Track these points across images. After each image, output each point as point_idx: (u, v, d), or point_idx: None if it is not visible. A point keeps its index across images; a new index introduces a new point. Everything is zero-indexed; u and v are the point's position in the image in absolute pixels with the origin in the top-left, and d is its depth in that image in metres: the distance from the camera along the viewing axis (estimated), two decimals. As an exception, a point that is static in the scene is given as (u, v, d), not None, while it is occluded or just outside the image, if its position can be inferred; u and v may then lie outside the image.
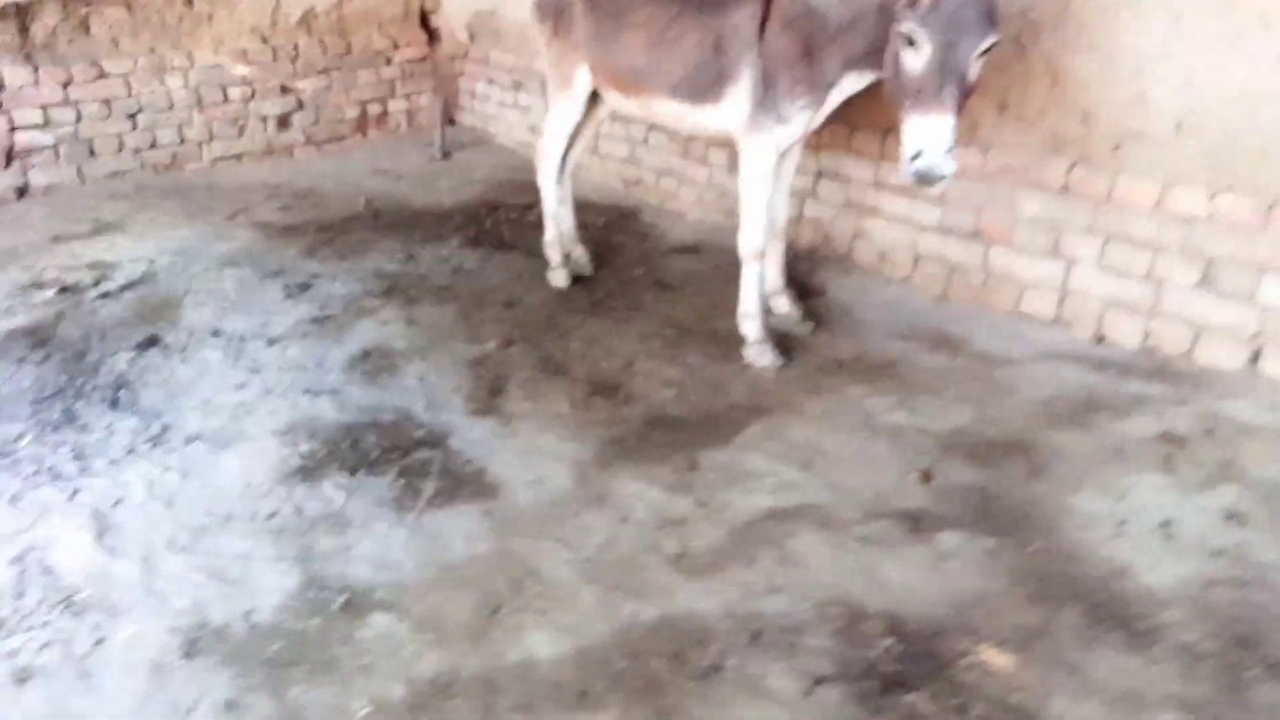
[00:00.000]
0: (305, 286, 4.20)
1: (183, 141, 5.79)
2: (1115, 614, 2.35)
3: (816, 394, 3.34)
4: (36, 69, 5.24)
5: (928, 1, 2.65)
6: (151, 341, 3.74)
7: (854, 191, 4.35)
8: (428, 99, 6.73)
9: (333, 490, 2.87)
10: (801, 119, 3.27)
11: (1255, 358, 3.29)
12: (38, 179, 5.35)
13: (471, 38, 6.46)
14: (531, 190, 5.40)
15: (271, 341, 3.73)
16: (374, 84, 6.47)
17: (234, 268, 4.40)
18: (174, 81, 5.66)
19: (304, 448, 3.06)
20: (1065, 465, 2.90)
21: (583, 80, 3.81)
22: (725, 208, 4.94)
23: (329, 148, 6.35)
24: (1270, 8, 3.02)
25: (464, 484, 2.91)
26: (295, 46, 6.05)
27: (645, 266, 4.42)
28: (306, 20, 6.08)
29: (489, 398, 3.36)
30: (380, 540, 2.67)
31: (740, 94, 3.29)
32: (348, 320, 3.90)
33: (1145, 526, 2.64)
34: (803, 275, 4.33)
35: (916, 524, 2.68)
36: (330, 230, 4.94)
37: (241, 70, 5.66)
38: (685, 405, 3.31)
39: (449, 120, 6.83)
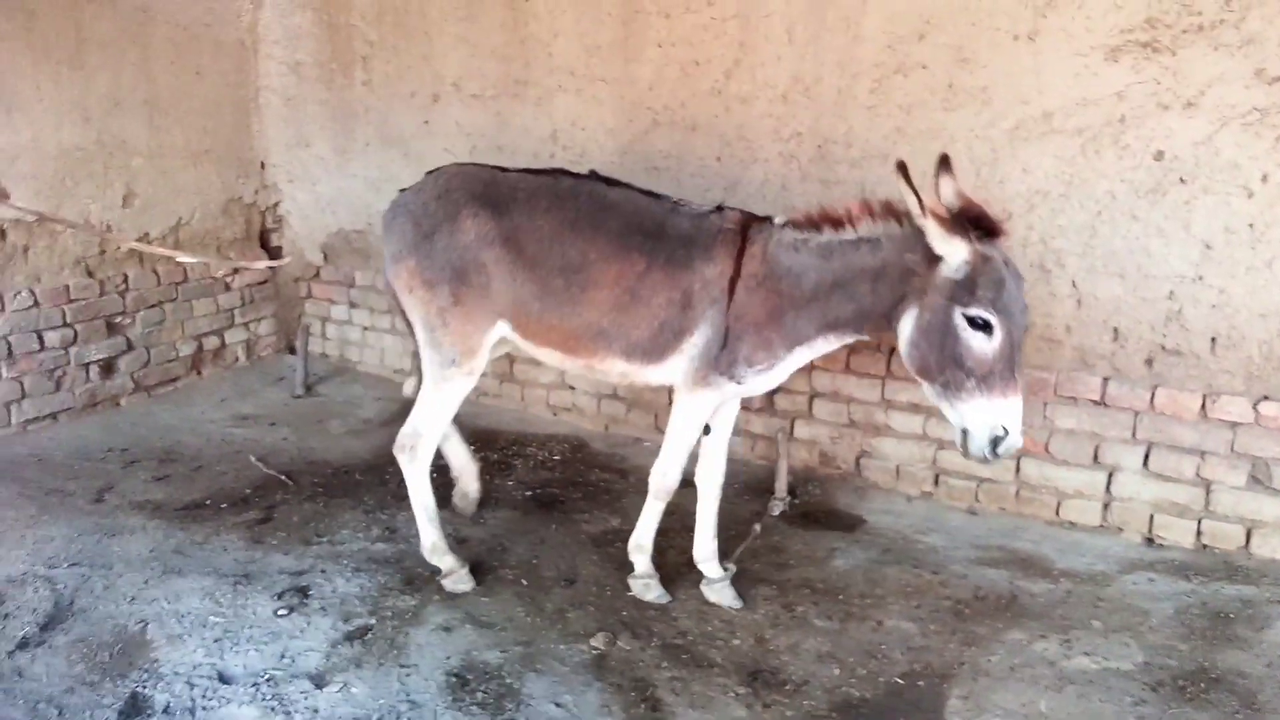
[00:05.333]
0: (301, 591, 3.31)
1: (-13, 404, 4.52)
2: None
3: (978, 644, 3.12)
4: None
5: (988, 283, 2.58)
6: (138, 707, 2.70)
7: (858, 411, 4.30)
8: (269, 326, 5.90)
9: None
10: (757, 383, 3.08)
11: (1310, 546, 3.55)
12: None
13: (326, 258, 5.79)
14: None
15: (317, 681, 2.84)
16: (211, 314, 5.55)
17: (177, 576, 3.38)
18: (-20, 331, 4.45)
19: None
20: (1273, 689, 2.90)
21: (490, 345, 3.23)
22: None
23: (161, 392, 5.29)
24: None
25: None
26: (125, 278, 5.05)
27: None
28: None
29: (651, 713, 2.77)
30: None
31: (691, 349, 3.03)
32: (396, 632, 3.09)
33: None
34: (819, 498, 4.19)
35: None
36: (247, 504, 4.01)
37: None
38: (858, 682, 2.94)
39: (289, 349, 6.01)
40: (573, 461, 4.59)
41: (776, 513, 4.03)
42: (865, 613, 3.30)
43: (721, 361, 2.98)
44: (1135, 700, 2.86)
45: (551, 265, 3.04)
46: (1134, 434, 3.77)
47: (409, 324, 3.35)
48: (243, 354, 5.78)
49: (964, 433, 2.70)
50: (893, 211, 2.76)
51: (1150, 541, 3.79)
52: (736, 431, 4.56)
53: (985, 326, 2.58)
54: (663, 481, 3.25)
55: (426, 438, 3.30)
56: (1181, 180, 3.48)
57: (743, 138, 4.32)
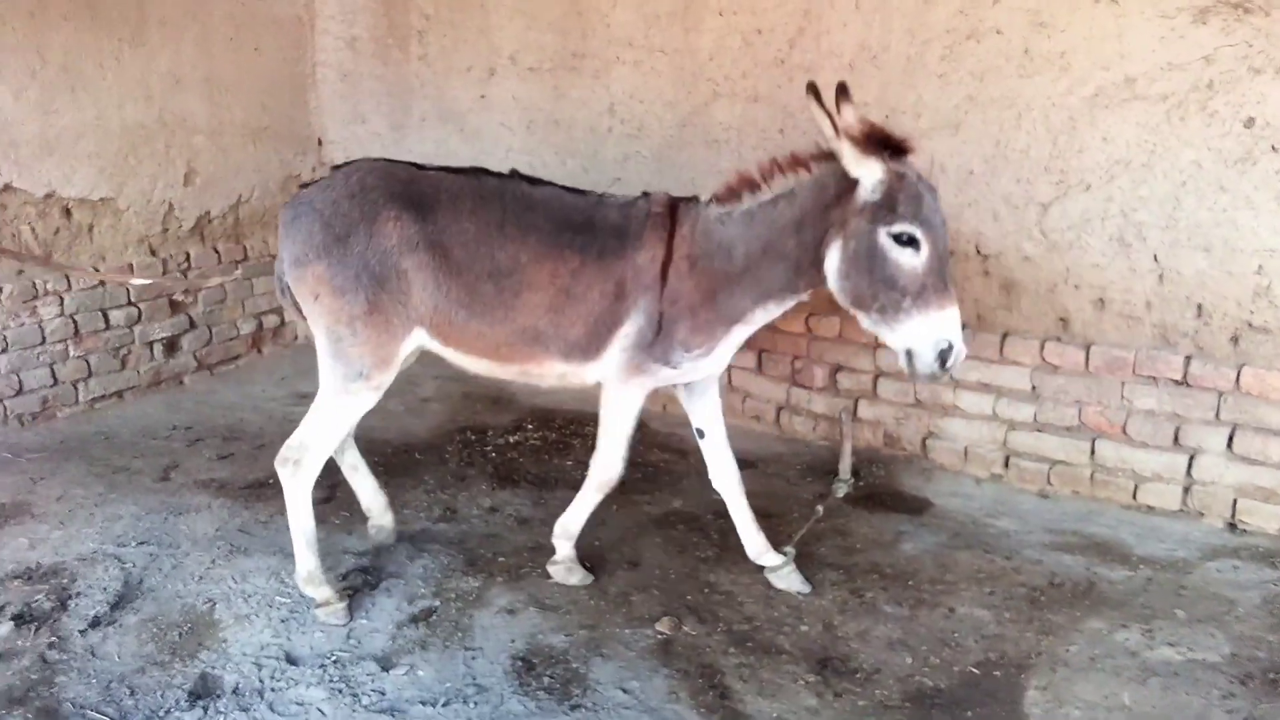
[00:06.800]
0: (365, 571, 3.31)
1: (56, 382, 4.59)
2: None
3: (1055, 633, 3.02)
4: None
5: (907, 198, 2.55)
6: (208, 688, 2.72)
7: (924, 390, 4.19)
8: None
9: None
10: (694, 368, 2.98)
11: None
12: None
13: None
14: (503, 408, 4.86)
15: (384, 663, 2.84)
16: (271, 293, 5.56)
17: (242, 555, 3.40)
18: (48, 310, 4.51)
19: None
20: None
21: (405, 356, 2.98)
22: (753, 411, 4.62)
23: (222, 370, 5.35)
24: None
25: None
26: (187, 256, 5.08)
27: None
28: (200, 226, 5.15)
29: (719, 700, 2.72)
30: None
31: (623, 339, 2.91)
32: (460, 614, 3.08)
33: None
34: (884, 480, 4.09)
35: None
36: (310, 483, 4.01)
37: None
38: (931, 671, 2.86)
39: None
40: (631, 441, 4.52)
41: (840, 495, 3.94)
42: (936, 599, 3.21)
43: (657, 349, 2.90)
44: (1223, 693, 2.75)
45: (480, 270, 2.86)
46: (1218, 415, 3.61)
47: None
48: (302, 332, 5.80)
49: (908, 354, 2.65)
50: (799, 160, 2.74)
51: (1233, 527, 3.64)
52: (798, 411, 4.50)
53: (912, 242, 2.56)
54: (606, 475, 3.15)
55: (314, 453, 2.95)
56: (1273, 148, 3.31)
57: (807, 109, 4.17)
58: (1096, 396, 3.79)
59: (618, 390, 3.01)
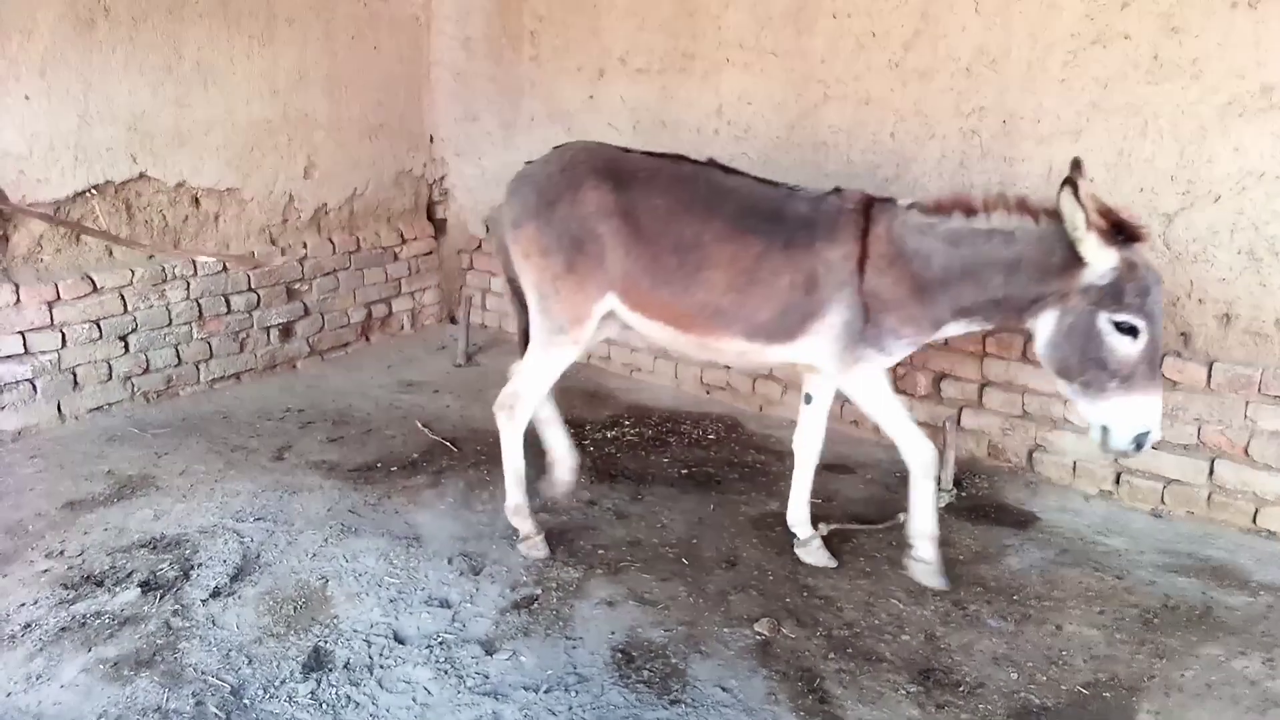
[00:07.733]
0: (468, 557, 3.39)
1: (179, 362, 4.81)
2: None
3: (1169, 657, 2.92)
4: (17, 287, 4.20)
5: (1135, 290, 2.65)
6: (320, 661, 2.83)
7: (1033, 402, 4.09)
8: (432, 296, 6.07)
9: None
10: (903, 353, 3.12)
11: None
12: (8, 421, 4.23)
13: (488, 231, 5.90)
14: (600, 403, 4.91)
15: (488, 647, 2.91)
16: (380, 283, 5.74)
17: (353, 535, 3.52)
18: (175, 293, 4.73)
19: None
20: None
21: (599, 316, 3.24)
22: (852, 416, 4.57)
23: (333, 355, 5.53)
24: None
25: None
26: (305, 246, 5.27)
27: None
28: (318, 217, 5.33)
29: (818, 705, 2.71)
30: None
31: (828, 330, 3.04)
32: (561, 603, 3.14)
33: None
34: (988, 492, 4.01)
35: None
36: (415, 469, 4.14)
37: None
38: (1038, 688, 2.80)
39: (450, 318, 6.18)
40: (728, 441, 4.55)
41: (942, 505, 3.86)
42: (1043, 615, 3.14)
43: (869, 336, 3.01)
44: (1351, 732, 2.62)
45: (666, 243, 3.08)
46: (1350, 440, 3.44)
47: (518, 300, 3.47)
48: (408, 322, 5.97)
49: (1104, 429, 2.80)
50: (1028, 207, 2.81)
51: (1363, 558, 3.47)
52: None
53: (1132, 330, 2.67)
54: (920, 457, 3.18)
55: (525, 400, 3.36)
56: None
57: (920, 113, 4.14)
58: (1218, 415, 3.65)
59: (853, 382, 3.12)
